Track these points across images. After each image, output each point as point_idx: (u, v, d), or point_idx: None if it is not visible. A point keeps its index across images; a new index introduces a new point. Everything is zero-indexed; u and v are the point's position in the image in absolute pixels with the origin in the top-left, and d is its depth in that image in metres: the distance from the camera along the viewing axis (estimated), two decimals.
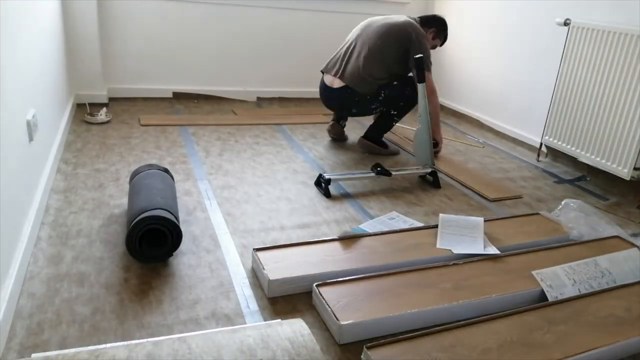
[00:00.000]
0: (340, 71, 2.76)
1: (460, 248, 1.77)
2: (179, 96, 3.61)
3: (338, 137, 3.01)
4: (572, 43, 2.70)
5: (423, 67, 2.55)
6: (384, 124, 2.85)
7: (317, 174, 2.36)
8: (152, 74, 3.50)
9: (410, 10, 4.03)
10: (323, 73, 2.89)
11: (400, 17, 2.76)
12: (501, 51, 3.39)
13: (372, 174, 2.37)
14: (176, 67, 3.54)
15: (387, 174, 2.38)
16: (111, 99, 3.39)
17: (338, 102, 2.84)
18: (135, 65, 3.44)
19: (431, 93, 2.65)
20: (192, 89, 3.64)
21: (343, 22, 3.57)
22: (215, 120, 3.21)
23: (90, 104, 3.17)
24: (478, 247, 1.79)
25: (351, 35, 2.84)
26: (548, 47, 2.99)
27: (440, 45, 2.93)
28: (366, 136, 2.87)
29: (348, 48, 2.79)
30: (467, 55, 3.72)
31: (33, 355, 1.13)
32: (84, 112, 3.04)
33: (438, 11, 4.00)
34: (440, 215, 1.95)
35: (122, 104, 3.35)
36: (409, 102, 2.76)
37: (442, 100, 4.00)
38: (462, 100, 3.81)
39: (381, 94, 2.73)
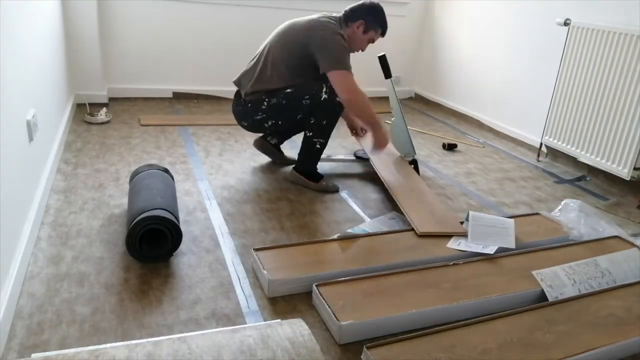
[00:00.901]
0: (239, 77, 2.35)
1: (491, 242, 1.80)
2: (179, 96, 3.61)
3: (268, 153, 2.59)
4: (572, 43, 2.70)
5: (388, 66, 2.42)
6: (306, 149, 2.30)
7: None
8: (152, 74, 3.50)
9: (410, 10, 4.03)
10: None
11: (307, 17, 2.24)
12: (501, 51, 3.39)
13: (353, 158, 2.68)
14: (176, 67, 3.54)
15: (366, 159, 2.55)
16: (111, 99, 3.39)
17: (233, 113, 2.39)
18: (135, 65, 3.44)
19: (349, 92, 2.13)
20: (192, 89, 3.64)
21: None
22: (215, 120, 3.21)
23: (90, 104, 3.17)
24: (509, 241, 1.82)
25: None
26: (548, 47, 2.99)
27: (382, 35, 2.32)
28: (296, 167, 2.37)
29: (254, 56, 2.34)
30: (467, 55, 3.72)
31: (33, 355, 1.13)
32: (84, 112, 3.04)
33: (438, 11, 4.00)
34: (470, 212, 1.95)
35: (122, 104, 3.35)
36: (317, 116, 2.19)
37: (443, 100, 4.01)
38: (462, 100, 3.81)
39: (264, 102, 2.21)
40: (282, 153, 2.61)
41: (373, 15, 2.26)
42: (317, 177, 2.33)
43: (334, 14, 2.29)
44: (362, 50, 2.35)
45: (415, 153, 2.57)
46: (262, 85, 2.22)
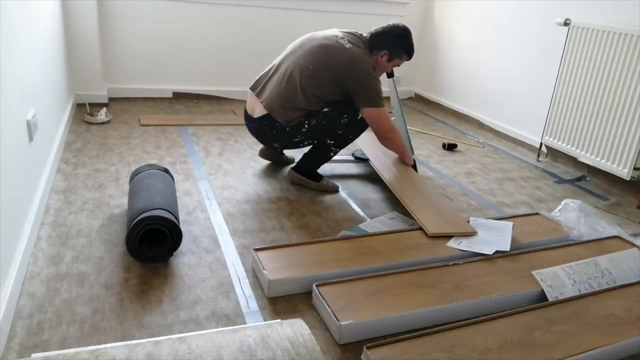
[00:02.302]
0: (262, 94, 2.25)
1: (487, 247, 1.79)
2: (179, 96, 3.61)
3: (273, 161, 2.59)
4: (572, 43, 2.70)
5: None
6: (318, 154, 2.31)
7: None
8: (152, 74, 3.50)
9: (410, 10, 4.03)
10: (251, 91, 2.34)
11: (340, 43, 2.15)
12: (501, 51, 3.39)
13: (351, 158, 2.68)
14: (176, 67, 3.54)
15: (364, 159, 2.54)
16: (111, 99, 3.39)
17: (257, 134, 2.32)
18: (135, 65, 3.44)
19: (388, 132, 2.24)
20: (192, 89, 3.64)
21: (344, 23, 3.57)
22: (215, 120, 3.21)
23: (90, 104, 3.17)
24: (505, 244, 1.81)
25: (282, 54, 2.31)
26: (548, 47, 2.99)
27: (407, 59, 2.29)
28: (297, 167, 2.35)
29: (274, 67, 2.28)
30: (467, 55, 3.72)
31: (33, 355, 1.13)
32: (84, 112, 3.04)
33: (438, 11, 4.00)
34: (471, 218, 1.98)
35: (122, 104, 3.35)
36: (348, 131, 2.22)
37: (443, 100, 4.01)
38: (462, 100, 3.81)
39: (304, 124, 2.19)
40: (283, 154, 2.62)
41: (398, 44, 2.22)
42: (318, 176, 2.33)
43: (360, 33, 2.26)
44: (388, 71, 2.38)
45: (413, 153, 2.58)
46: (299, 112, 2.17)
